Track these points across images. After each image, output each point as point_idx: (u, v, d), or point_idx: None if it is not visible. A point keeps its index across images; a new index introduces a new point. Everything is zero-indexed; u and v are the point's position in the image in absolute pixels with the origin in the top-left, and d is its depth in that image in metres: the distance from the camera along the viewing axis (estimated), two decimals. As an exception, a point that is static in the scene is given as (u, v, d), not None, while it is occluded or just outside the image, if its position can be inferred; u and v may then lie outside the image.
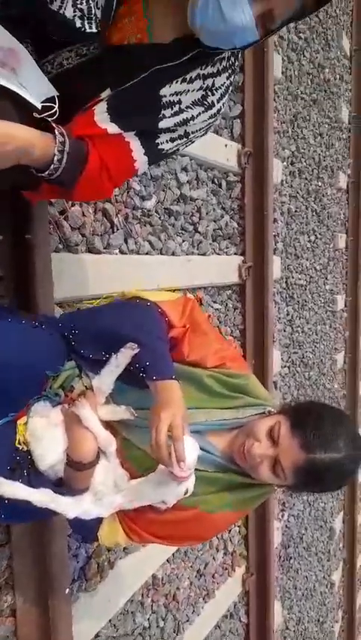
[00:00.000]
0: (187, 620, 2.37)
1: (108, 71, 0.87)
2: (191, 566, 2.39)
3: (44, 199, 1.06)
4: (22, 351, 0.93)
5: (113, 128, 0.88)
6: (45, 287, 1.30)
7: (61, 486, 0.92)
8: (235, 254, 2.62)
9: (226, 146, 2.40)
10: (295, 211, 3.81)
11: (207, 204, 2.34)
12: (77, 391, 0.95)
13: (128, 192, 1.81)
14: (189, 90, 0.88)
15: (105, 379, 0.92)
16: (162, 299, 1.00)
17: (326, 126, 4.31)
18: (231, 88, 0.93)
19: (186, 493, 0.89)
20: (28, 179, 0.87)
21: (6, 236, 1.25)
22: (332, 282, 4.68)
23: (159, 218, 2.01)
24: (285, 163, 3.50)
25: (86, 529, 0.99)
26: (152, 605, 2.11)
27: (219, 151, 2.35)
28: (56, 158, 0.81)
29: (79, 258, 1.58)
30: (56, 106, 0.81)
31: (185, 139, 0.95)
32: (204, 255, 2.32)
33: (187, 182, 2.15)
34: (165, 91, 0.87)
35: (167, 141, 0.93)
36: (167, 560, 2.20)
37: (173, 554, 2.23)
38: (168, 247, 2.05)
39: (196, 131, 0.94)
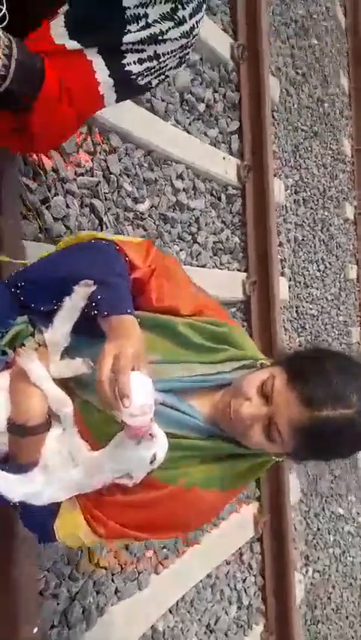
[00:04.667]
0: None
1: None
2: (199, 619, 2.08)
3: (3, 145, 0.96)
4: None
5: (71, 45, 0.79)
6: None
7: (5, 462, 0.74)
8: (238, 270, 2.50)
9: (224, 158, 2.35)
10: (303, 239, 3.75)
11: (206, 216, 2.26)
12: (28, 348, 0.80)
13: (118, 192, 1.73)
14: (155, 2, 0.79)
15: (59, 329, 0.77)
16: (123, 240, 0.87)
17: (329, 158, 4.33)
18: (204, 7, 0.84)
19: (153, 460, 0.71)
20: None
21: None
22: (345, 314, 4.51)
23: (154, 222, 1.91)
24: (288, 191, 3.46)
25: (39, 522, 0.80)
26: (152, 665, 1.80)
27: (217, 162, 2.30)
28: (0, 63, 0.71)
29: (62, 250, 1.46)
30: (4, 7, 0.72)
31: (155, 62, 0.85)
32: (203, 267, 2.20)
33: (183, 189, 2.08)
34: (129, 2, 0.78)
35: (135, 62, 0.84)
36: (169, 611, 1.90)
37: (177, 603, 1.94)
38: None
39: (168, 53, 0.85)
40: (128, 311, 0.75)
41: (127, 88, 0.87)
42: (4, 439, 0.76)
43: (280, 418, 0.75)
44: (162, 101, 1.97)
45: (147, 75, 0.87)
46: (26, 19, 0.79)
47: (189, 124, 2.15)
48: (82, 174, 1.57)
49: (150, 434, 0.70)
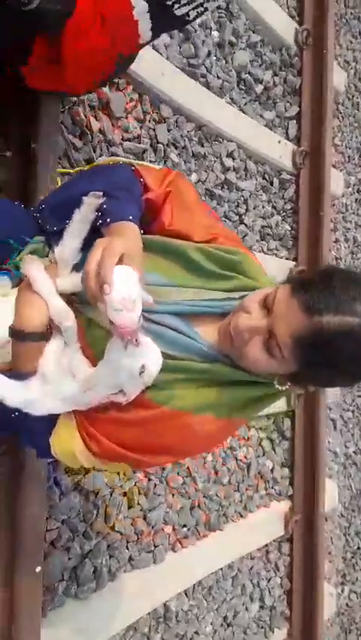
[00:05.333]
0: None
1: None
2: (216, 609, 2.01)
3: (41, 85, 0.99)
4: None
5: None
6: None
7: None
8: (287, 258, 2.43)
9: (279, 142, 2.30)
10: (362, 241, 3.59)
11: (256, 198, 2.22)
12: (35, 258, 0.81)
13: (165, 161, 1.74)
14: None
15: (69, 243, 0.78)
16: (144, 164, 0.87)
17: None
18: None
19: (142, 372, 0.69)
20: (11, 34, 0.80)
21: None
22: None
23: (200, 197, 1.90)
24: (350, 189, 3.34)
25: (37, 436, 0.81)
26: (161, 644, 1.75)
27: (272, 146, 2.25)
28: None
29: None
30: None
31: None
32: (249, 249, 2.16)
33: (233, 169, 2.05)
34: None
35: None
36: (184, 593, 1.85)
37: (193, 586, 1.89)
38: (208, 230, 1.92)
39: None
40: (131, 218, 0.74)
41: (163, 15, 0.86)
42: (10, 348, 0.77)
43: (280, 328, 0.71)
44: (218, 77, 1.97)
45: (184, 3, 0.86)
46: None
47: (245, 104, 2.13)
48: (129, 139, 1.60)
49: (136, 340, 0.68)
